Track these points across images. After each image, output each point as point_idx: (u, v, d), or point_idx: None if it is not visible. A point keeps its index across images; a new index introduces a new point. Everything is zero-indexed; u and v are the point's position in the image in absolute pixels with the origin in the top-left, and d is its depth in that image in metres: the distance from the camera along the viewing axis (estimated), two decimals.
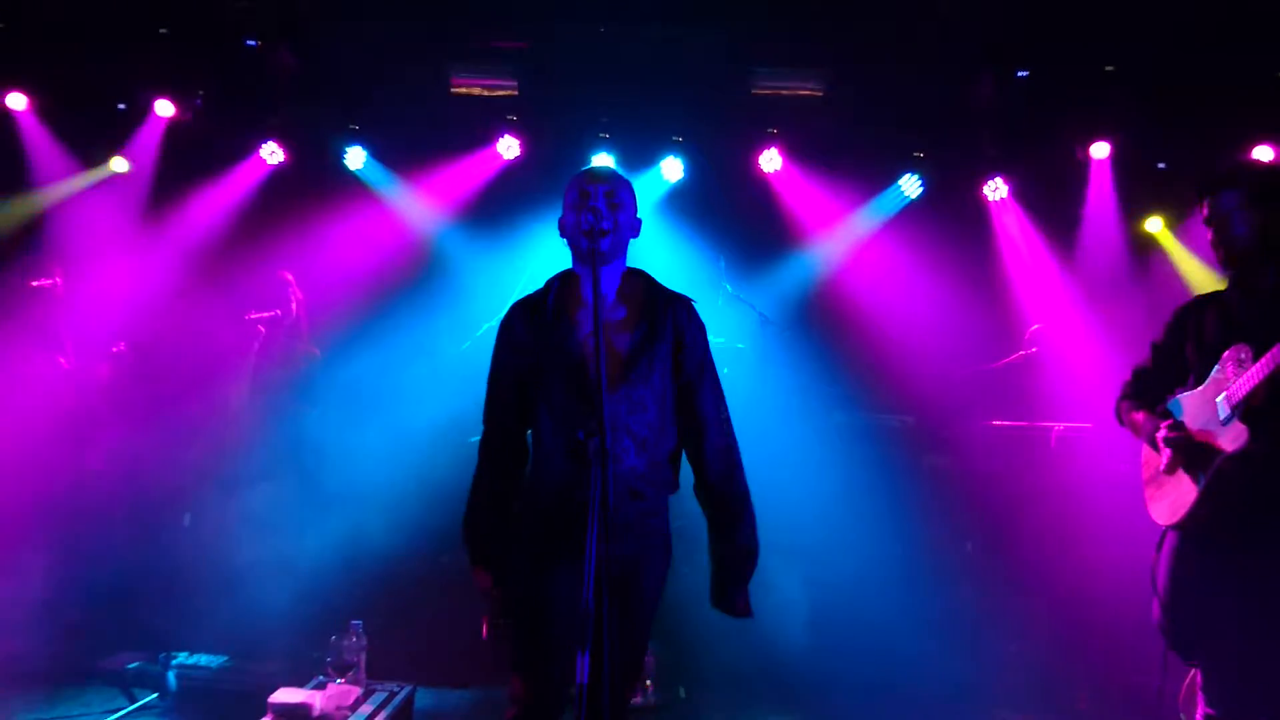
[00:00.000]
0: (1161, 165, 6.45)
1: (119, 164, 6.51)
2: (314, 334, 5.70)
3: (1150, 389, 3.28)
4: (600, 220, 2.65)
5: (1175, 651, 3.06)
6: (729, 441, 2.87)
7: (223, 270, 6.37)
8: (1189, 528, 2.97)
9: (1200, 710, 2.98)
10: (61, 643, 5.11)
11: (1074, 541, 5.14)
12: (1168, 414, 3.13)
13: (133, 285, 6.16)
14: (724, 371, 3.05)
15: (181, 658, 4.88)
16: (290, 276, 5.64)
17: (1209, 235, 3.06)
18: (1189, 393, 3.07)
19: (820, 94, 6.13)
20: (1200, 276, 6.47)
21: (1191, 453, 2.96)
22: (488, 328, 5.79)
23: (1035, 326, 6.35)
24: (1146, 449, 3.20)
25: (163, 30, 5.79)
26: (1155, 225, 6.72)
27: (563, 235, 2.84)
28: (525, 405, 2.83)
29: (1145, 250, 6.73)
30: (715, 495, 2.86)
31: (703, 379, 2.85)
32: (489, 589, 2.80)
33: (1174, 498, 3.01)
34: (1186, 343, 3.16)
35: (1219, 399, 2.91)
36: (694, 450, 2.87)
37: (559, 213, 2.86)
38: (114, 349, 5.65)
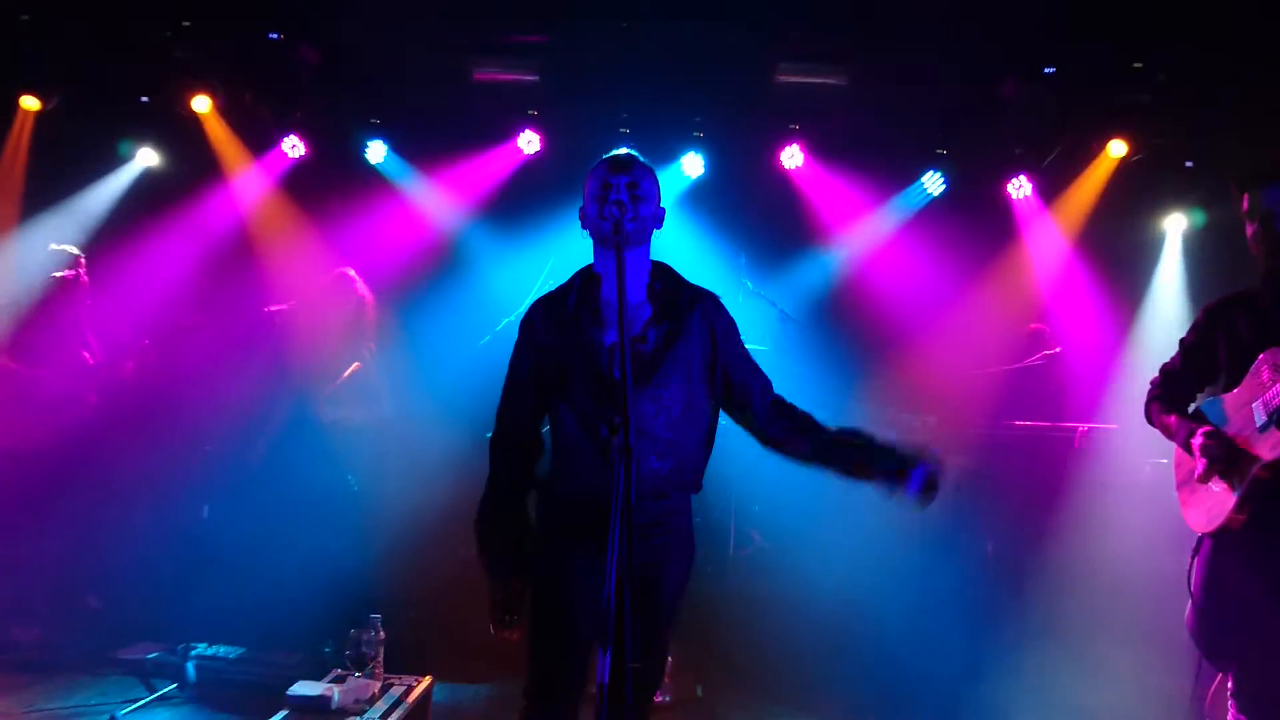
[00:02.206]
0: (1189, 164, 6.36)
1: (143, 157, 6.54)
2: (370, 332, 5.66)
3: (1180, 389, 3.24)
4: (624, 212, 2.61)
5: (1207, 656, 3.01)
6: (775, 394, 2.87)
7: (244, 263, 6.39)
8: (1225, 534, 2.92)
9: (1231, 715, 2.94)
10: (81, 633, 5.15)
11: (1099, 543, 5.09)
12: (1201, 417, 3.08)
13: (155, 279, 6.19)
14: None
15: (200, 649, 4.89)
16: (353, 273, 5.62)
17: (1249, 231, 3.01)
18: (1223, 396, 3.02)
19: (844, 85, 6.06)
20: (1175, 282, 6.44)
21: (1228, 459, 2.91)
22: (507, 322, 5.78)
23: (1032, 326, 6.30)
24: (1179, 452, 3.15)
25: (185, 23, 5.80)
26: (1178, 225, 6.64)
27: (584, 227, 2.78)
28: (542, 404, 2.80)
29: (1160, 250, 6.67)
30: (785, 425, 2.85)
31: (743, 365, 2.85)
32: (496, 590, 2.77)
33: (1210, 504, 2.96)
34: (1218, 343, 3.10)
35: (1255, 405, 2.85)
36: (747, 418, 2.86)
37: (579, 207, 2.81)
38: (138, 345, 5.67)
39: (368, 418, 5.44)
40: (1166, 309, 6.39)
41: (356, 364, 5.46)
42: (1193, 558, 3.03)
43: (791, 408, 2.86)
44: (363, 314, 5.55)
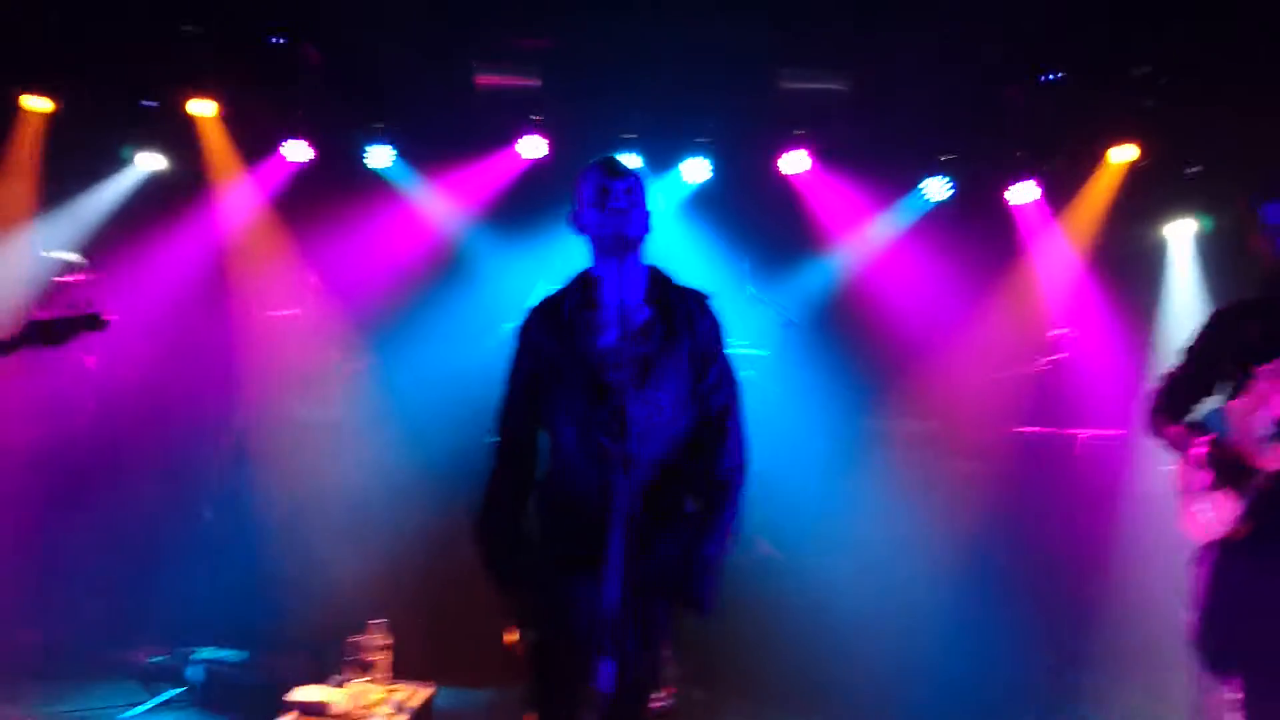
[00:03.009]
0: (1196, 169, 6.34)
1: (144, 161, 6.55)
2: (339, 337, 5.72)
3: (1183, 396, 3.22)
4: (626, 217, 2.63)
5: (1210, 667, 3.00)
6: (733, 434, 2.76)
7: (247, 268, 6.39)
8: (1229, 545, 2.90)
9: None
10: (84, 637, 5.15)
11: (1102, 551, 5.07)
12: (1204, 427, 3.06)
13: (158, 283, 6.19)
14: (748, 374, 3.01)
15: (204, 653, 4.90)
16: (314, 279, 5.67)
17: (1262, 240, 3.00)
18: (1227, 405, 3.00)
19: (847, 91, 6.05)
20: (1186, 285, 6.38)
21: (1231, 470, 2.89)
22: (510, 327, 5.79)
23: (1058, 331, 6.25)
24: (1180, 461, 3.14)
25: (188, 27, 5.81)
26: (1183, 230, 6.61)
27: (580, 232, 2.81)
28: (539, 409, 2.81)
29: (1176, 255, 6.62)
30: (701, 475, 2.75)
31: (709, 373, 2.76)
32: (509, 595, 2.77)
33: (1213, 515, 2.94)
34: (1224, 350, 3.09)
35: (1260, 414, 2.84)
36: (696, 438, 2.76)
37: (570, 212, 2.82)
38: (139, 352, 5.67)
39: (323, 420, 5.48)
40: (1183, 313, 6.31)
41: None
42: (1195, 568, 3.02)
43: (714, 445, 2.74)
44: (318, 319, 5.62)
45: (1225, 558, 2.93)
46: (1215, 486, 2.93)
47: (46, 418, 5.19)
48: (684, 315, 2.77)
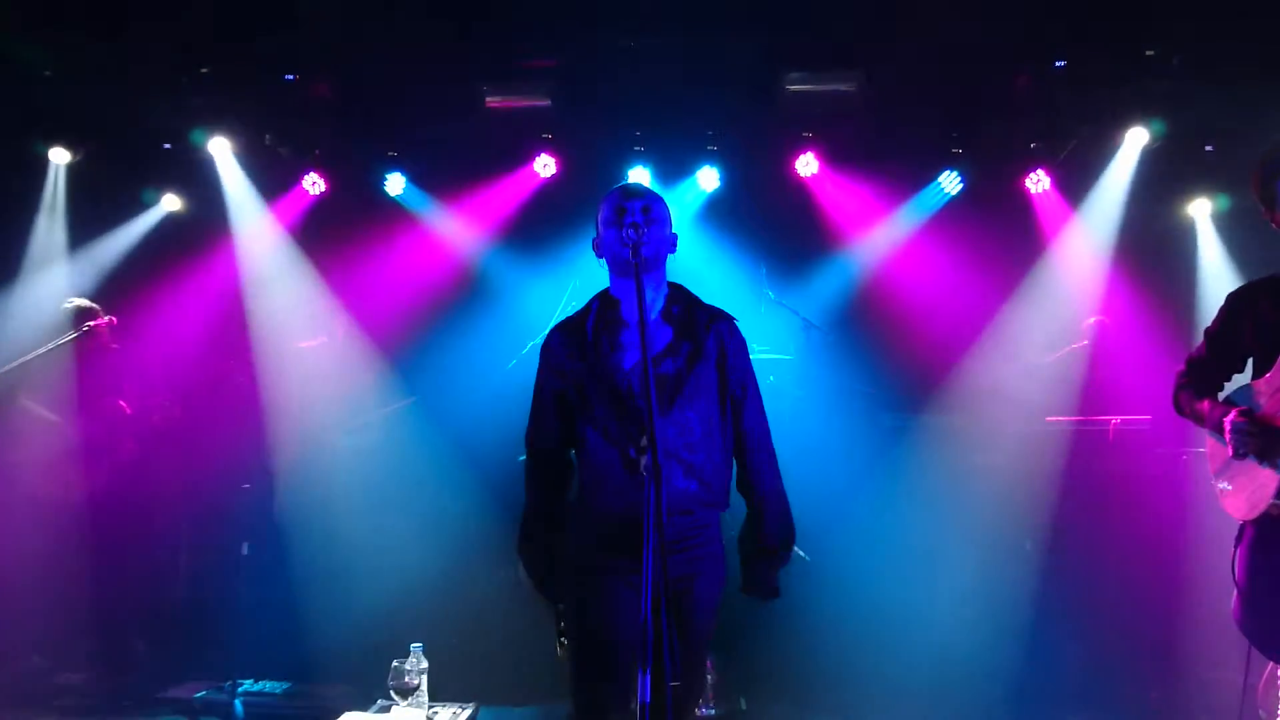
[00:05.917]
0: (1208, 148, 6.29)
1: (167, 203, 6.65)
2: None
3: (1207, 378, 3.21)
4: (640, 235, 2.65)
5: (1257, 645, 2.97)
6: (767, 452, 2.91)
7: (271, 302, 6.46)
8: (1268, 520, 2.88)
9: None
10: (129, 675, 5.21)
11: (1138, 536, 5.03)
12: (1232, 404, 3.04)
13: (184, 322, 6.27)
14: (769, 380, 3.04)
15: (247, 685, 4.95)
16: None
17: (1273, 217, 2.98)
18: (1253, 383, 2.99)
19: (853, 91, 6.05)
20: (1219, 268, 6.30)
21: (1265, 443, 2.87)
22: (533, 345, 5.83)
23: (1092, 319, 6.20)
24: (1212, 441, 3.12)
25: (204, 70, 5.90)
26: (1203, 210, 6.56)
27: (599, 254, 2.84)
28: (568, 426, 2.83)
29: (1192, 237, 6.57)
30: (746, 490, 2.92)
31: (746, 396, 2.86)
32: (554, 606, 2.82)
33: (1251, 491, 2.92)
34: (1243, 329, 3.08)
35: None
36: (737, 457, 2.90)
37: (592, 237, 2.87)
38: (164, 397, 5.74)
39: (356, 447, 5.53)
40: (1216, 294, 6.23)
41: None
42: (1236, 546, 2.99)
43: (749, 459, 2.90)
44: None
45: (1266, 533, 2.91)
46: (1248, 455, 2.91)
47: (86, 464, 5.27)
48: (712, 335, 2.80)
